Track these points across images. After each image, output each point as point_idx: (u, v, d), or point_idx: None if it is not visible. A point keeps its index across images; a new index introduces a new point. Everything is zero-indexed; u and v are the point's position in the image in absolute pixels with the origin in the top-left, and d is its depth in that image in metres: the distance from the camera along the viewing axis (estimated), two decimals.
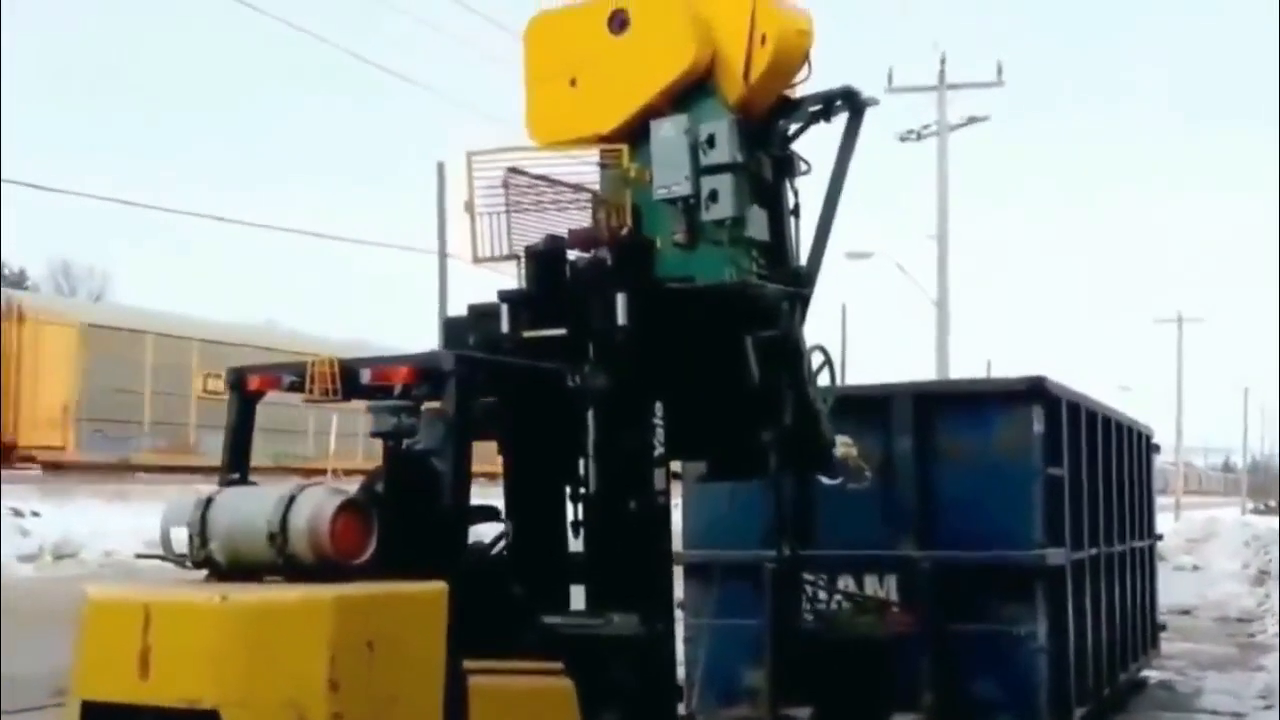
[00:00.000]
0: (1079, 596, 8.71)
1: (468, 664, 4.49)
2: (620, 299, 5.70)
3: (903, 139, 29.77)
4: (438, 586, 4.44)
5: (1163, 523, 16.26)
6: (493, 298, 6.08)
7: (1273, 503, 70.49)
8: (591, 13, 6.57)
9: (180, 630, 4.26)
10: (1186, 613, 17.75)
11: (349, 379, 5.05)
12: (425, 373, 4.91)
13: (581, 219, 6.20)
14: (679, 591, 6.76)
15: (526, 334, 5.90)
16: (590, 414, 5.58)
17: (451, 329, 6.45)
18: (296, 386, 5.17)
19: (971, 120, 29.62)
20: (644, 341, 5.69)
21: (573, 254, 6.06)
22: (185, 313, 32.65)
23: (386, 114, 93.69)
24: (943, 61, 29.20)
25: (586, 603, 5.62)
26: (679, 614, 6.73)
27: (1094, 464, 9.36)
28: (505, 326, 5.97)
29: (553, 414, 5.65)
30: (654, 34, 6.42)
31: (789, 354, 6.28)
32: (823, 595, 8.00)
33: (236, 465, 5.31)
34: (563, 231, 6.11)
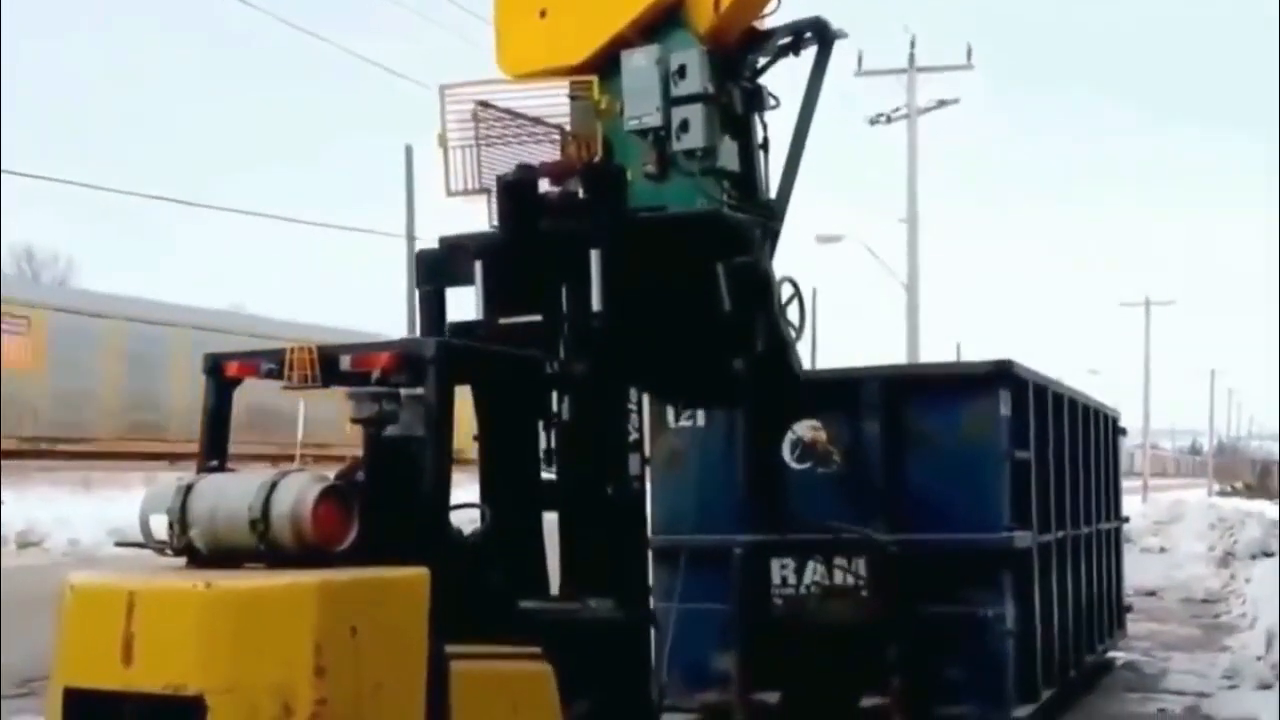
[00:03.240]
0: (1046, 579, 8.83)
1: (450, 648, 4.54)
2: (595, 284, 5.74)
3: (872, 122, 29.90)
4: (420, 572, 4.49)
5: (1130, 505, 16.46)
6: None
7: (1239, 484, 71.28)
8: None
9: (164, 617, 4.28)
10: (1153, 594, 17.97)
11: (328, 366, 5.07)
12: (406, 360, 4.94)
13: (552, 153, 6.23)
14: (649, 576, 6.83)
15: (502, 320, 5.95)
16: (567, 400, 5.64)
17: (424, 261, 6.47)
18: (274, 373, 5.18)
19: (941, 103, 29.78)
20: (618, 305, 5.72)
21: (545, 186, 6.11)
22: (154, 298, 32.50)
23: (355, 98, 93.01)
24: (912, 45, 29.35)
25: (563, 588, 5.70)
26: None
27: (1061, 447, 9.47)
28: (480, 313, 6.02)
29: (530, 400, 5.71)
30: None
31: (759, 284, 6.32)
32: (791, 580, 8.09)
33: (215, 452, 5.34)
34: (534, 163, 6.16)
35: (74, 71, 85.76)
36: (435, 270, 6.30)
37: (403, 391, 4.98)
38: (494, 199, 6.14)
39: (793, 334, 6.64)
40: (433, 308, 6.24)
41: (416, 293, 6.51)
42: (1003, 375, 8.14)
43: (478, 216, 6.28)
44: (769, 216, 6.70)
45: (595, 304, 5.76)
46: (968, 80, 30.57)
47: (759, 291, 6.29)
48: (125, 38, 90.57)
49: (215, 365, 5.32)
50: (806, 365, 7.76)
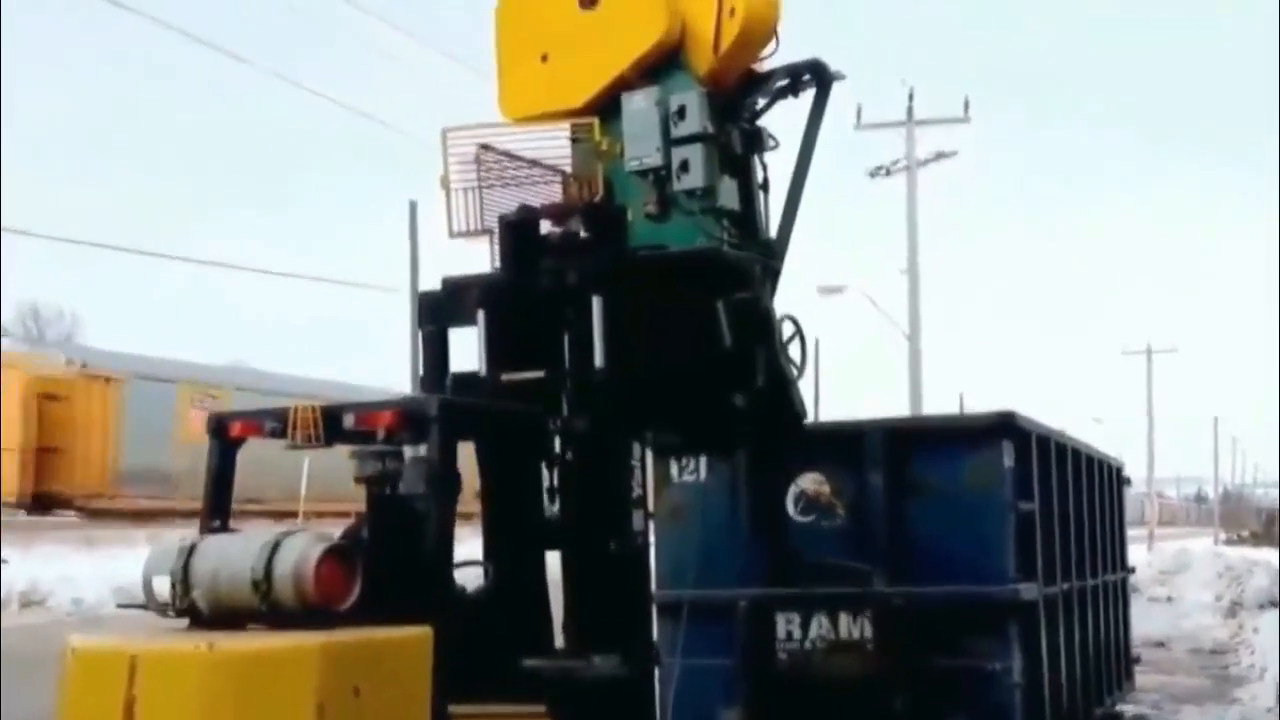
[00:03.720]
0: (1053, 631, 8.78)
1: (453, 709, 4.53)
2: (597, 336, 5.77)
3: (872, 175, 30.11)
4: (423, 631, 4.48)
5: (1136, 554, 16.38)
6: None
7: (1245, 533, 70.93)
8: None
9: (167, 680, 4.27)
10: (1161, 645, 17.86)
11: (331, 424, 5.10)
12: (409, 418, 4.96)
13: (554, 194, 6.31)
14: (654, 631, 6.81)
15: (505, 376, 5.97)
16: (569, 456, 5.65)
17: (427, 302, 6.49)
18: (278, 432, 5.21)
19: (940, 156, 29.99)
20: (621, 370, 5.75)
21: (547, 227, 6.16)
22: (160, 354, 32.59)
23: (360, 156, 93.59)
24: (911, 98, 29.59)
25: (567, 644, 5.68)
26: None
27: (1065, 498, 9.45)
28: (483, 370, 6.05)
29: (533, 456, 5.72)
30: (624, 8, 6.53)
31: (760, 321, 6.35)
32: (796, 634, 8.05)
33: (217, 512, 5.34)
34: (536, 204, 6.22)
35: (60, 124, 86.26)
36: (437, 311, 6.33)
37: (406, 449, 5.00)
38: (496, 240, 6.18)
39: (794, 372, 6.66)
40: (435, 348, 6.28)
41: (420, 335, 6.54)
42: (1006, 426, 8.13)
43: (480, 259, 6.34)
44: (769, 255, 6.74)
45: (598, 359, 5.78)
46: (966, 132, 30.71)
47: (759, 328, 6.32)
48: (120, 87, 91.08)
49: (219, 425, 5.34)
50: (810, 418, 7.76)
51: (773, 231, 6.87)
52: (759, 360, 6.26)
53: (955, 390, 56.55)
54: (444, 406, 4.96)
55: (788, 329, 6.68)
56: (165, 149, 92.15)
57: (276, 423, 5.18)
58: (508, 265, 6.10)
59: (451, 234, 6.39)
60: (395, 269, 30.16)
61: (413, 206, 29.08)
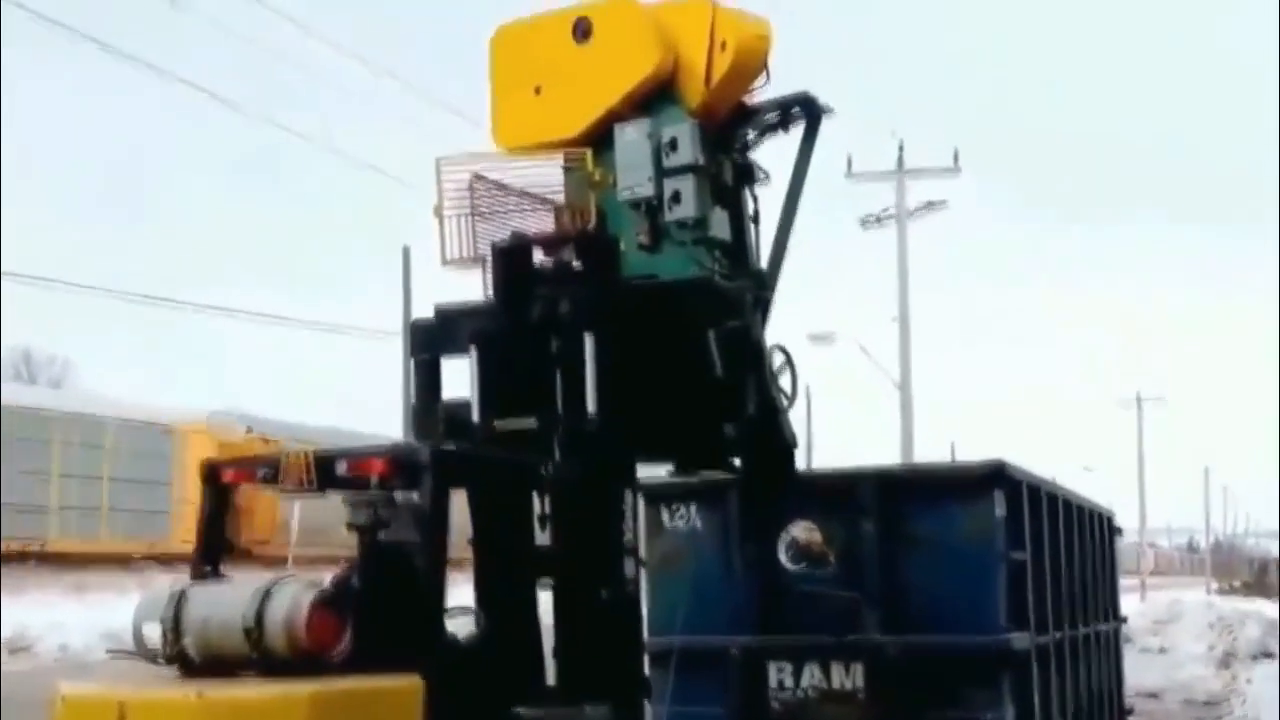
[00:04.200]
0: (1045, 681, 8.75)
1: None
2: (589, 381, 5.77)
3: (864, 224, 30.26)
4: (413, 681, 4.48)
5: (1128, 604, 16.32)
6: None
7: (1237, 583, 70.80)
8: (555, 22, 6.77)
9: None
10: (1154, 696, 17.76)
11: (323, 471, 5.11)
12: (401, 465, 4.98)
13: (546, 224, 6.37)
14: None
15: (497, 423, 5.99)
16: (561, 504, 5.66)
17: (419, 331, 6.51)
18: (270, 479, 5.22)
19: (930, 205, 30.16)
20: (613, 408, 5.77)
21: (539, 257, 6.20)
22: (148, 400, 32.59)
23: (352, 202, 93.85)
24: (900, 149, 29.79)
25: (559, 690, 5.66)
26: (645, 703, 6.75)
27: (1056, 547, 9.44)
28: (476, 416, 6.06)
29: (525, 503, 5.73)
30: (617, 41, 6.63)
31: (750, 350, 6.41)
32: (788, 683, 8.02)
33: (209, 558, 5.34)
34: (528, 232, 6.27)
35: (62, 169, 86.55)
36: (430, 340, 6.37)
37: (398, 496, 5.00)
38: (488, 268, 6.22)
39: (784, 401, 6.70)
40: (427, 377, 6.30)
41: (412, 364, 6.54)
42: (997, 476, 8.14)
43: (473, 291, 6.36)
44: (760, 286, 6.81)
45: (590, 406, 5.80)
46: (956, 183, 30.92)
47: (750, 357, 6.37)
48: (114, 131, 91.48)
49: (212, 472, 5.35)
50: (802, 466, 7.78)
51: (763, 263, 6.94)
52: (749, 388, 6.32)
53: (947, 438, 56.47)
54: (436, 454, 4.98)
55: (778, 359, 6.73)
56: (160, 194, 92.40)
57: (269, 469, 5.18)
58: (500, 293, 6.14)
59: (444, 262, 6.45)
60: (390, 314, 30.18)
61: (406, 252, 29.18)
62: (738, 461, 6.75)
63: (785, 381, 6.78)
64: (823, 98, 7.18)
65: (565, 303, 5.90)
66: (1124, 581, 14.99)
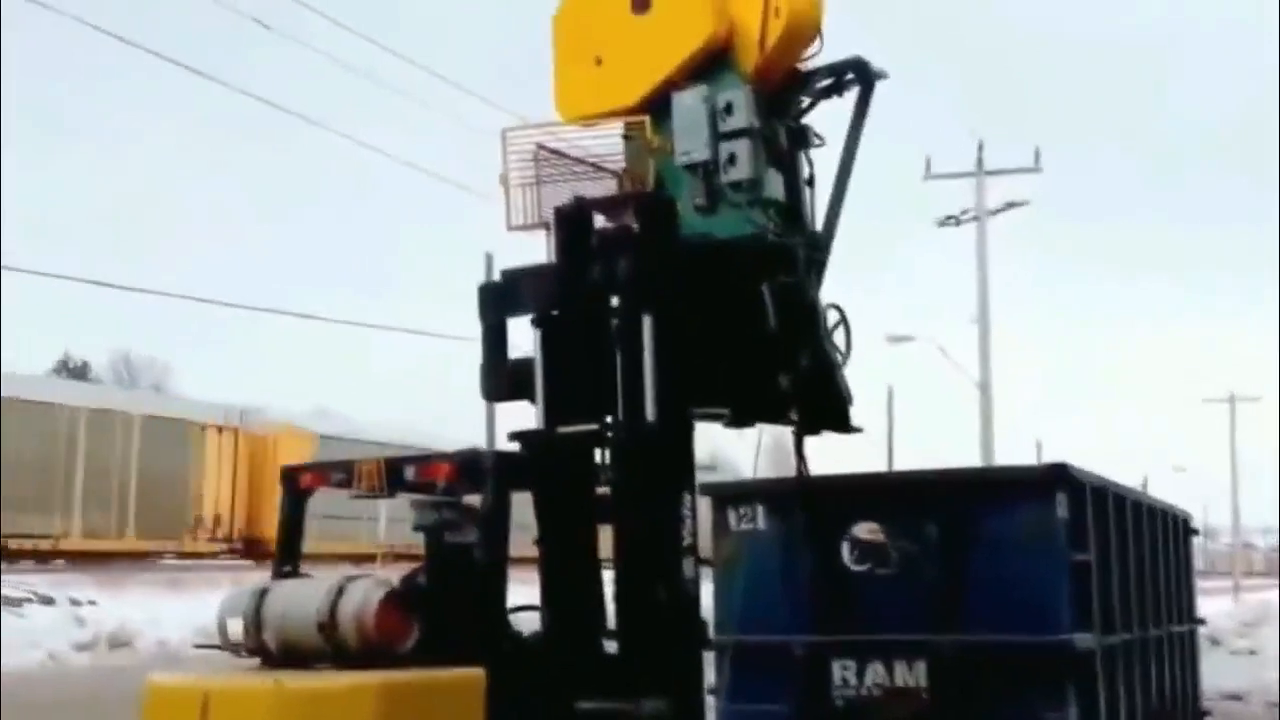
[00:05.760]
0: (1111, 682, 8.77)
1: None
2: (649, 386, 5.93)
3: (941, 224, 30.10)
4: (476, 673, 4.72)
5: (1219, 606, 16.13)
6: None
7: None
8: None
9: (237, 715, 4.55)
10: (1238, 698, 17.52)
11: (394, 476, 5.38)
12: (466, 470, 5.23)
13: (607, 190, 6.62)
14: (709, 676, 6.97)
15: (560, 430, 6.21)
16: (622, 508, 5.87)
17: (487, 294, 6.62)
18: (345, 483, 5.50)
19: (1010, 205, 29.89)
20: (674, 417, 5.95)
21: (601, 222, 6.42)
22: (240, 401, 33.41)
23: (438, 214, 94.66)
24: (980, 148, 29.59)
25: (619, 688, 5.86)
26: (710, 699, 6.94)
27: (1124, 548, 9.45)
28: (540, 421, 6.29)
29: (586, 505, 5.95)
30: (674, 11, 6.83)
31: (805, 309, 6.58)
32: (852, 680, 8.16)
33: (288, 558, 5.64)
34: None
35: (138, 185, 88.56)
36: (497, 301, 6.56)
37: (465, 499, 5.26)
38: (552, 232, 6.47)
39: (839, 358, 6.86)
40: (495, 337, 6.51)
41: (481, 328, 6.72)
42: (1058, 478, 8.20)
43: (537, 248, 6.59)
44: (815, 247, 6.96)
45: (649, 408, 5.98)
46: (1037, 181, 30.62)
47: (803, 312, 6.55)
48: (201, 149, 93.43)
49: (289, 476, 5.64)
50: (883, 466, 7.91)
51: (819, 225, 7.10)
52: (803, 342, 6.51)
53: (1031, 439, 55.83)
54: (499, 459, 5.22)
55: (833, 316, 6.90)
56: (245, 207, 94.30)
57: (343, 474, 5.47)
58: (563, 255, 6.35)
59: (510, 227, 6.71)
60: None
61: (488, 258, 29.51)
62: (794, 415, 6.90)
63: (840, 339, 6.94)
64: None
65: (624, 261, 6.08)
66: (1217, 583, 14.84)
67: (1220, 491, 56.39)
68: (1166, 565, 11.02)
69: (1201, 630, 12.75)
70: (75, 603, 21.32)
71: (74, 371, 49.76)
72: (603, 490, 5.94)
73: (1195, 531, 12.92)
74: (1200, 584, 13.53)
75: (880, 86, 7.23)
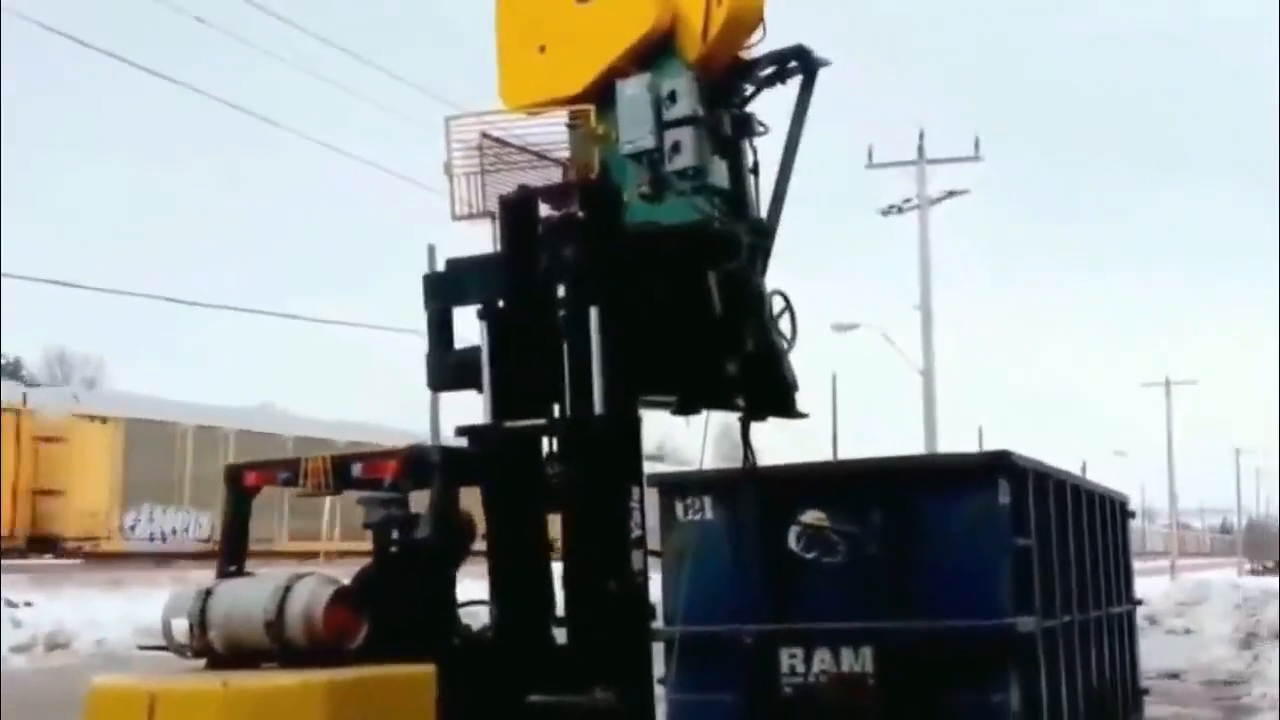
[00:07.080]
0: (1052, 663, 8.91)
1: None
2: (596, 380, 5.96)
3: (885, 213, 30.36)
4: (426, 669, 4.71)
5: (1156, 585, 16.44)
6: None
7: (1270, 563, 70.31)
8: None
9: (184, 717, 4.51)
10: (1175, 676, 17.88)
11: (340, 473, 5.35)
12: (413, 465, 5.21)
13: (551, 179, 6.61)
14: (659, 667, 7.00)
15: (508, 424, 6.21)
16: (569, 502, 5.87)
17: (431, 283, 6.63)
18: (291, 481, 5.46)
19: (951, 194, 30.22)
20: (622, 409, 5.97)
21: (546, 211, 6.43)
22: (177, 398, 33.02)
23: (374, 204, 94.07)
24: (921, 137, 29.87)
25: (570, 680, 5.87)
26: (659, 690, 6.97)
27: (1064, 532, 9.59)
28: (489, 416, 6.28)
29: (535, 500, 5.95)
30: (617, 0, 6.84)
31: (750, 295, 6.63)
32: (799, 668, 8.22)
33: (233, 557, 5.58)
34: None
35: (92, 180, 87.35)
36: (442, 290, 6.56)
37: (412, 495, 5.24)
38: (496, 222, 6.46)
39: (784, 344, 6.92)
40: (440, 326, 6.50)
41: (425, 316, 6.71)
42: (1000, 465, 8.31)
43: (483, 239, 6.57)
44: (760, 234, 7.01)
45: (597, 404, 6.00)
46: (977, 170, 30.97)
47: (748, 297, 6.59)
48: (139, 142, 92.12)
49: (234, 475, 5.59)
50: (827, 455, 7.98)
51: (763, 212, 7.14)
52: (748, 328, 6.55)
53: (973, 425, 56.42)
54: (445, 454, 5.20)
55: (778, 303, 6.95)
56: (189, 201, 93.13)
57: (289, 472, 5.43)
58: (508, 244, 6.36)
59: (454, 217, 6.70)
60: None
61: (430, 250, 29.37)
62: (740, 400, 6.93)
63: (785, 325, 6.99)
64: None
65: (570, 250, 6.10)
66: (1153, 564, 15.09)
67: (1158, 475, 57.37)
68: (1105, 548, 11.19)
69: (1140, 610, 12.97)
70: (11, 604, 20.98)
71: (7, 370, 48.93)
72: (551, 479, 5.92)
73: (1132, 514, 13.13)
74: (1138, 565, 13.77)
75: (823, 74, 7.29)
